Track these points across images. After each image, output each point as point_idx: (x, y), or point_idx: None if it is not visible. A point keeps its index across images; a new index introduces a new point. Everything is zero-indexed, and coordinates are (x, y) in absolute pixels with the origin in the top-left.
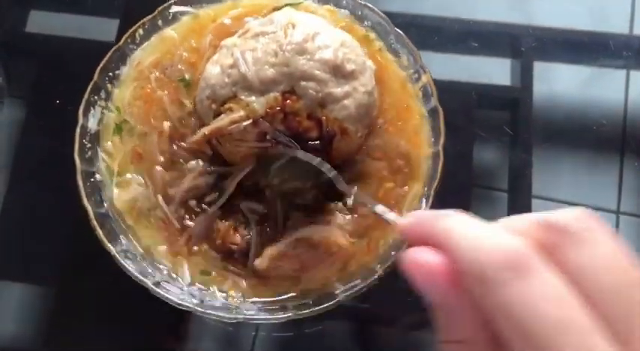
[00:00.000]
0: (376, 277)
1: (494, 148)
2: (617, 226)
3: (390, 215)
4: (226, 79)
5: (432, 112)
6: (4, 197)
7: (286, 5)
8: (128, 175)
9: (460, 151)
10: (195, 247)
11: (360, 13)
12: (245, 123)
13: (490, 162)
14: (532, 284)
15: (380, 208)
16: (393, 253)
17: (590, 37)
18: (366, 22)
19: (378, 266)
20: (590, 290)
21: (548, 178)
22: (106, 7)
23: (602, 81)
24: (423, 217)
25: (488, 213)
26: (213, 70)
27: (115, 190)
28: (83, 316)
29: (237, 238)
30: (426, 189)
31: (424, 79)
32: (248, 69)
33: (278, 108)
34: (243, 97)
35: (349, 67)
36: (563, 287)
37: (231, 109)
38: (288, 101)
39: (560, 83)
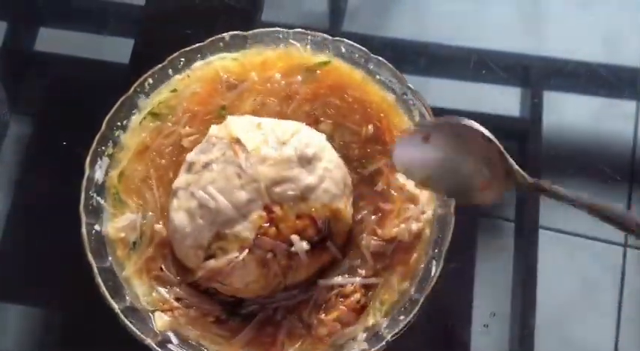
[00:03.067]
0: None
1: None
2: (625, 259)
3: None
4: (201, 221)
5: None
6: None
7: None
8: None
9: None
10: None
11: (371, 67)
12: (242, 255)
13: None
14: None
15: None
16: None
17: (602, 68)
18: (377, 77)
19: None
20: None
21: (556, 209)
22: (119, 27)
23: (612, 113)
24: None
25: (494, 243)
26: (181, 218)
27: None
28: None
29: None
30: (436, 251)
31: None
32: (218, 202)
33: (267, 224)
34: (227, 231)
35: (310, 151)
36: None
37: (222, 249)
38: (272, 214)
39: (570, 114)
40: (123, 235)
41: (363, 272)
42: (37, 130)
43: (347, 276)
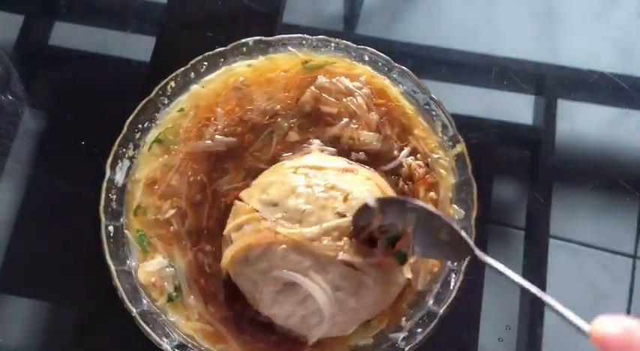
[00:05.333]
0: None
1: (513, 186)
2: (634, 270)
3: (579, 321)
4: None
5: (463, 184)
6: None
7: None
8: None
9: (479, 187)
10: None
11: (394, 76)
12: None
13: (508, 199)
14: None
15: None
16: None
17: (617, 78)
18: (400, 87)
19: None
20: None
21: (567, 218)
22: (140, 25)
23: (625, 123)
24: (630, 326)
25: (503, 250)
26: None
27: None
28: None
29: None
30: (455, 264)
31: (458, 148)
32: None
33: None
34: None
35: None
36: None
37: None
38: None
39: (583, 123)
40: (153, 279)
41: None
42: (51, 126)
43: None
